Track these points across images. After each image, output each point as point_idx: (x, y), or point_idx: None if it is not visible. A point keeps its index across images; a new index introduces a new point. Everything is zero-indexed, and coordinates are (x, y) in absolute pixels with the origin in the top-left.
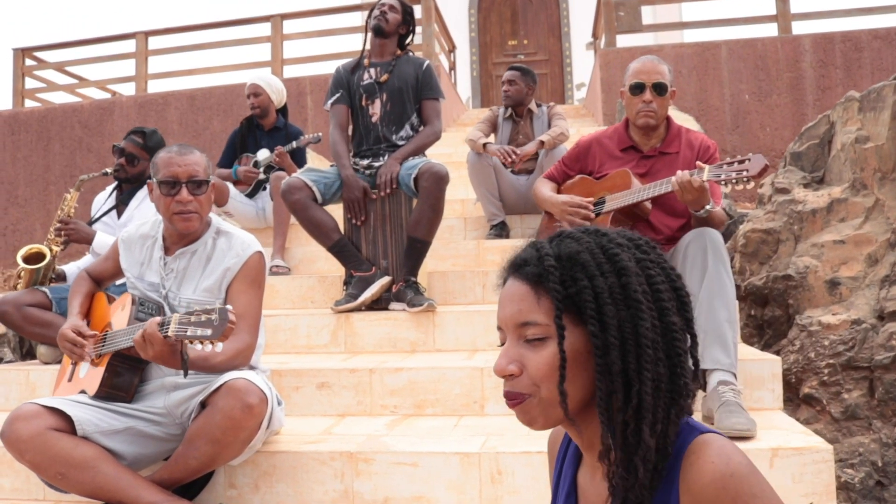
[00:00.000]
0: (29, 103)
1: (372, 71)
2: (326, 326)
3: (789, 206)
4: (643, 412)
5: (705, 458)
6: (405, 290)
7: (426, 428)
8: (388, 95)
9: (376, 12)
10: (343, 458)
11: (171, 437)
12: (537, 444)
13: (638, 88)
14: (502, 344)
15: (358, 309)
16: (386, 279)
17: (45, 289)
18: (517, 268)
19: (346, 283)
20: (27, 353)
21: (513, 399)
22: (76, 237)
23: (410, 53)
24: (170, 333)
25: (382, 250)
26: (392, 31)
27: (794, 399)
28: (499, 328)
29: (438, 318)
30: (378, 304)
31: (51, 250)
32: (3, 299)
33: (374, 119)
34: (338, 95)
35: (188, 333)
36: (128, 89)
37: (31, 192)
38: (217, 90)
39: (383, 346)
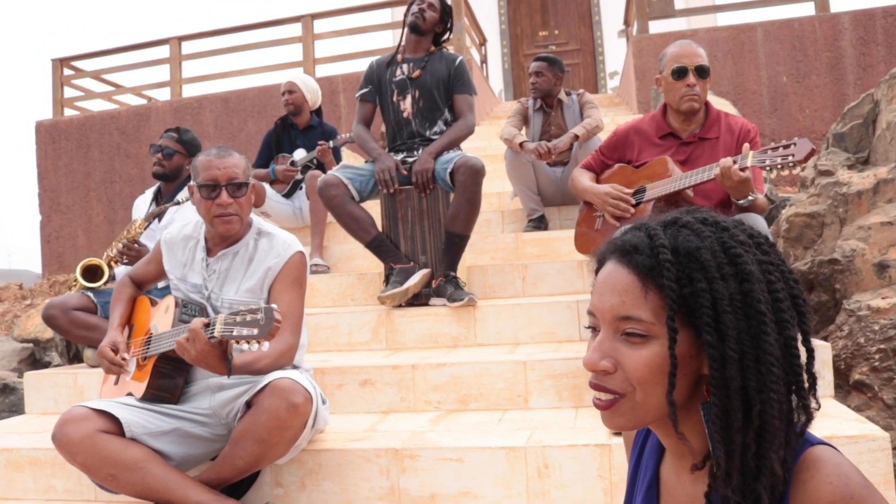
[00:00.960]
0: (68, 112)
1: (405, 66)
2: (367, 323)
3: (833, 188)
4: (769, 437)
5: (822, 477)
6: (445, 285)
7: (470, 423)
8: (420, 91)
9: (415, 9)
10: (388, 454)
11: (217, 438)
12: (584, 437)
13: (681, 73)
14: (590, 328)
15: (402, 299)
16: (426, 270)
17: (89, 293)
18: (624, 253)
19: (386, 279)
20: (74, 357)
21: (601, 392)
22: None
23: (444, 50)
24: (216, 334)
25: (421, 246)
26: (428, 29)
27: (844, 386)
28: (589, 312)
29: (479, 312)
30: (418, 299)
31: (109, 267)
32: (51, 303)
33: (405, 114)
34: (366, 90)
35: (234, 333)
36: (163, 94)
37: (73, 198)
38: (251, 92)
39: (424, 341)
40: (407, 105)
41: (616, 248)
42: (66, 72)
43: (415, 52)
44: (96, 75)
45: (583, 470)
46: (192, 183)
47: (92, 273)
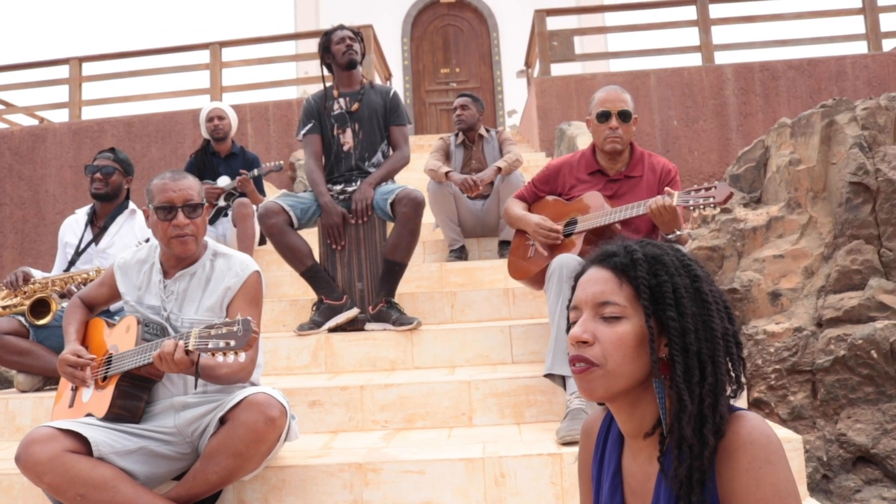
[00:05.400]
0: None
1: (342, 101)
2: (307, 347)
3: (732, 224)
4: (720, 390)
5: (734, 429)
6: (388, 310)
7: (420, 440)
8: (359, 124)
9: (342, 48)
10: (352, 469)
11: (181, 456)
12: (536, 447)
13: (604, 116)
14: (572, 324)
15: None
16: (353, 311)
17: (20, 317)
18: (603, 258)
19: (315, 306)
20: None
21: (580, 362)
22: None
23: (370, 83)
24: (190, 347)
25: (357, 273)
26: (359, 62)
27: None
28: (573, 308)
29: (416, 336)
30: (354, 324)
31: (56, 301)
32: None
33: (346, 148)
34: (310, 125)
35: (209, 346)
36: (60, 116)
37: None
38: (155, 117)
39: (363, 365)
40: (348, 138)
41: (596, 256)
42: None
43: (349, 86)
44: None
45: (536, 477)
46: (147, 206)
47: (40, 307)
